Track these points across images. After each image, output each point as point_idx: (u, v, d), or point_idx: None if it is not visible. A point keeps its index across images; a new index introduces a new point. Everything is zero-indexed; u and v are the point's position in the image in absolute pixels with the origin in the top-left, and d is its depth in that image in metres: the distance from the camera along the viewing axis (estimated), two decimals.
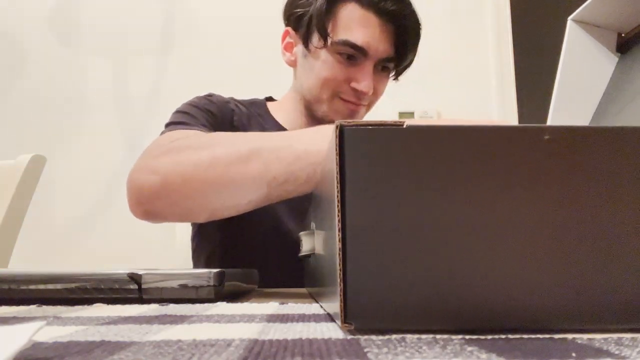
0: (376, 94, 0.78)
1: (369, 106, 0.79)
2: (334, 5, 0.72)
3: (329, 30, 0.72)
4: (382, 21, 0.72)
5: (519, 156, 0.23)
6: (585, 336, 0.22)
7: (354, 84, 0.73)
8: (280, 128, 0.81)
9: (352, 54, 0.72)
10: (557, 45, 0.69)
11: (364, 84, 0.72)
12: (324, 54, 0.73)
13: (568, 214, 0.23)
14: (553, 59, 0.73)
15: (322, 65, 0.74)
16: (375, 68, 0.74)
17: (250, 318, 0.29)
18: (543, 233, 0.23)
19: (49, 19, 1.78)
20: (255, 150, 0.48)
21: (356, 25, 0.71)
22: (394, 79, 0.82)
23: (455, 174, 0.23)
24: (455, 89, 1.74)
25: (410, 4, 0.74)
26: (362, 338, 0.21)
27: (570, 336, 0.22)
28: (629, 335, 0.22)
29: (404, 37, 0.74)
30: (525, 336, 0.22)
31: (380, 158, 0.23)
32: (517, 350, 0.19)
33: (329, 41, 0.72)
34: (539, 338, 0.21)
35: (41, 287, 0.40)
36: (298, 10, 0.76)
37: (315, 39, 0.74)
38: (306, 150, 0.48)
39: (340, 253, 0.23)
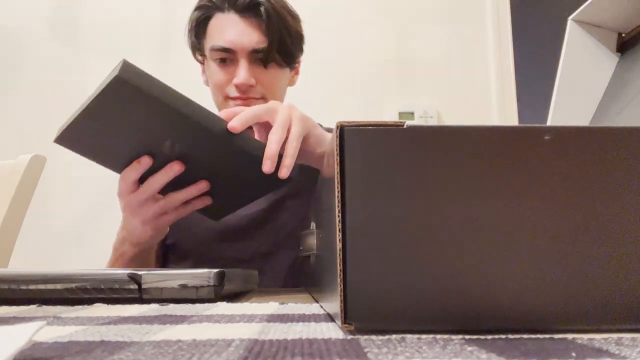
0: (266, 86, 0.82)
1: (265, 100, 0.82)
2: (205, 24, 0.83)
3: (205, 44, 0.83)
4: (244, 17, 0.80)
5: (519, 156, 0.23)
6: (585, 336, 0.22)
7: (234, 80, 0.80)
8: None
9: (224, 57, 0.81)
10: (557, 45, 0.69)
11: (239, 76, 0.79)
12: (209, 66, 0.83)
13: (568, 214, 0.23)
14: (553, 59, 0.73)
15: (209, 75, 0.84)
16: (255, 62, 0.81)
17: (250, 318, 0.29)
18: (543, 233, 0.23)
19: (49, 19, 1.78)
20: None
21: (222, 31, 0.80)
22: (286, 68, 0.85)
23: (455, 174, 0.23)
24: (455, 89, 1.74)
25: None
26: (362, 338, 0.21)
27: (570, 336, 0.22)
28: (629, 335, 0.22)
29: (267, 23, 0.79)
30: (525, 336, 0.22)
31: (380, 158, 0.23)
32: (517, 350, 0.19)
33: (206, 52, 0.83)
34: (539, 338, 0.21)
35: (41, 287, 0.40)
36: (190, 41, 0.87)
37: (198, 56, 0.86)
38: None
39: (340, 253, 0.23)
